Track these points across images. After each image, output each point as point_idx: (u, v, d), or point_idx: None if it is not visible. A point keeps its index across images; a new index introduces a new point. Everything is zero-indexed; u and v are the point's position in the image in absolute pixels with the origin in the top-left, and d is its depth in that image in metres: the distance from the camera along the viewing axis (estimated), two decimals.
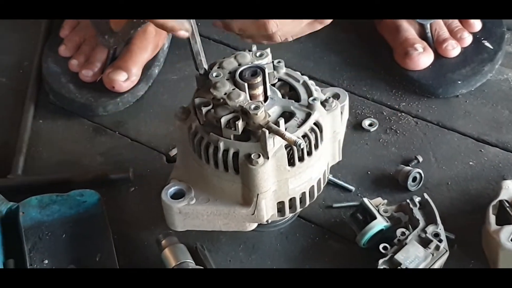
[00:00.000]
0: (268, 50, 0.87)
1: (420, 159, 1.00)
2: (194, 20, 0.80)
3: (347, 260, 0.91)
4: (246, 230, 0.88)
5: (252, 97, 0.84)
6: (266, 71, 0.85)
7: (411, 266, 0.85)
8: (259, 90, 0.85)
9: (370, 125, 1.05)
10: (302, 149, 0.84)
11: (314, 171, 0.87)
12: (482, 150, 1.01)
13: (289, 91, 0.88)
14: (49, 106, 1.11)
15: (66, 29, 1.16)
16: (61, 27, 1.17)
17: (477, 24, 1.12)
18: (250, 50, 0.87)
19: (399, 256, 0.86)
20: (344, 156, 0.93)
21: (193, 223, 0.87)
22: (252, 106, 0.81)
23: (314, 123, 0.84)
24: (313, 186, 0.88)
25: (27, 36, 1.20)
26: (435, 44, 1.10)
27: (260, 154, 0.82)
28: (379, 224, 0.90)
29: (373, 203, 0.92)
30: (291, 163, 0.84)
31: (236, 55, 0.86)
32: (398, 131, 1.04)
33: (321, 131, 0.85)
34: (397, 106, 1.07)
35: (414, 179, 0.97)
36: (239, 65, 0.85)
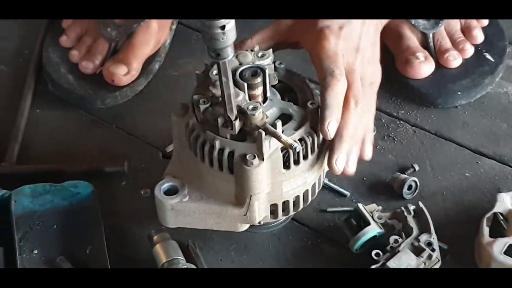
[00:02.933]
0: (270, 51, 0.87)
1: (417, 167, 1.00)
2: (228, 60, 0.77)
3: (339, 264, 0.90)
4: (238, 231, 0.88)
5: (251, 97, 0.84)
6: (267, 72, 0.84)
7: None
8: (259, 91, 0.84)
9: None
10: (298, 153, 0.83)
11: (309, 175, 0.86)
12: (479, 162, 1.01)
13: (289, 94, 0.88)
14: (47, 96, 1.11)
15: (68, 19, 1.16)
16: None
17: (479, 36, 1.12)
18: (252, 50, 0.87)
19: (391, 263, 0.86)
20: None
21: (185, 220, 0.87)
22: (250, 107, 0.81)
23: (311, 127, 0.84)
24: (307, 190, 0.88)
25: (29, 24, 1.20)
26: (436, 54, 1.10)
27: (256, 155, 0.81)
28: (373, 230, 0.89)
29: (367, 209, 0.91)
30: (286, 166, 0.84)
31: (237, 54, 0.86)
32: (396, 139, 1.04)
33: (318, 136, 0.84)
34: (395, 114, 1.07)
35: (410, 187, 0.97)
36: (240, 64, 0.85)
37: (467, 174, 1.00)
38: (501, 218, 0.91)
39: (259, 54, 0.86)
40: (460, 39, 1.11)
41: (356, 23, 0.88)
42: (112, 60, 1.10)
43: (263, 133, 0.80)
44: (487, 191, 0.97)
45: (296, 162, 0.84)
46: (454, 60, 1.10)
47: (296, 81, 0.88)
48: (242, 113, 0.81)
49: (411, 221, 0.90)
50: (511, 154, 1.01)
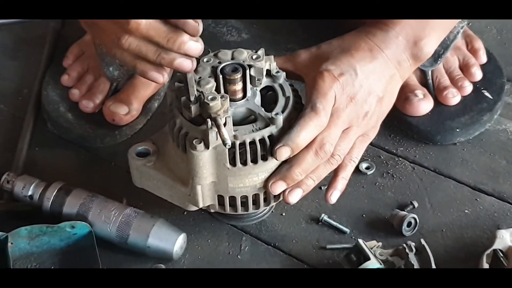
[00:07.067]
0: (262, 52, 0.90)
1: (416, 204, 1.00)
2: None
3: None
4: (187, 209, 0.93)
5: (230, 92, 0.87)
6: (248, 71, 0.88)
7: None
8: (238, 87, 0.88)
9: (367, 168, 1.04)
10: (245, 153, 0.86)
11: (259, 181, 0.89)
12: (478, 199, 1.01)
13: (274, 103, 0.91)
14: (47, 134, 1.11)
15: (69, 59, 1.16)
16: (64, 57, 1.16)
17: (478, 74, 1.12)
18: (256, 51, 0.90)
19: None
20: (340, 198, 0.93)
21: (147, 184, 0.94)
22: (210, 96, 0.85)
23: (268, 136, 0.87)
24: (258, 195, 0.90)
25: (28, 64, 1.21)
26: (435, 91, 1.11)
27: (203, 142, 0.85)
28: (373, 265, 0.88)
29: (367, 245, 0.91)
30: (233, 162, 0.87)
31: (234, 51, 0.90)
32: (395, 176, 1.04)
33: (272, 145, 0.87)
34: (394, 151, 1.07)
35: (409, 224, 0.96)
36: (233, 59, 0.90)
37: (466, 211, 0.99)
38: (501, 255, 0.90)
39: (254, 56, 0.90)
40: (459, 76, 1.12)
41: (360, 74, 0.90)
42: (113, 99, 1.10)
43: (210, 122, 0.84)
44: (487, 228, 0.97)
45: (243, 162, 0.87)
46: (453, 98, 1.10)
47: (284, 92, 0.91)
48: (202, 100, 0.85)
49: (413, 259, 0.89)
50: (510, 191, 1.01)
